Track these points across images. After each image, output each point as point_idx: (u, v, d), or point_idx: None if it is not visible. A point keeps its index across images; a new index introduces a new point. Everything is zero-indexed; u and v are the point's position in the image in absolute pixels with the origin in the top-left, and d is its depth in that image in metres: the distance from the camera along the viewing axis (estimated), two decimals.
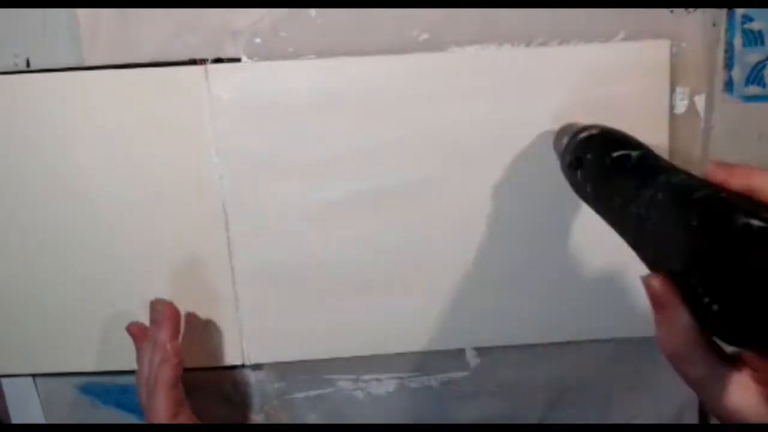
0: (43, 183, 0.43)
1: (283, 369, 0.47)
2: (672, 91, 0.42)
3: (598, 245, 0.44)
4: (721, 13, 0.42)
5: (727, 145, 0.44)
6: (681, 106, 0.43)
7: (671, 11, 0.42)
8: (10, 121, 0.42)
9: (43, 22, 0.41)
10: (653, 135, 0.42)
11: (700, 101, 0.43)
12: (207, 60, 0.41)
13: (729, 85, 0.43)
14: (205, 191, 0.43)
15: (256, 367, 0.47)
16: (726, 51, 0.42)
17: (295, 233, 0.43)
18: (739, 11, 0.42)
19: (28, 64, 0.42)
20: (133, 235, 0.43)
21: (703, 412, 0.48)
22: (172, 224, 0.43)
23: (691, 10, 0.42)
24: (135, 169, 0.42)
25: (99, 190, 0.43)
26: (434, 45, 0.42)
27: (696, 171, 0.43)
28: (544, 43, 0.42)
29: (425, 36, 0.42)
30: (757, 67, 0.42)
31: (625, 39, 0.42)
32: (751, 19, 0.42)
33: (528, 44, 0.42)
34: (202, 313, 0.45)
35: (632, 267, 0.43)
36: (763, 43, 0.42)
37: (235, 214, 0.43)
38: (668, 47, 0.41)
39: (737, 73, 0.43)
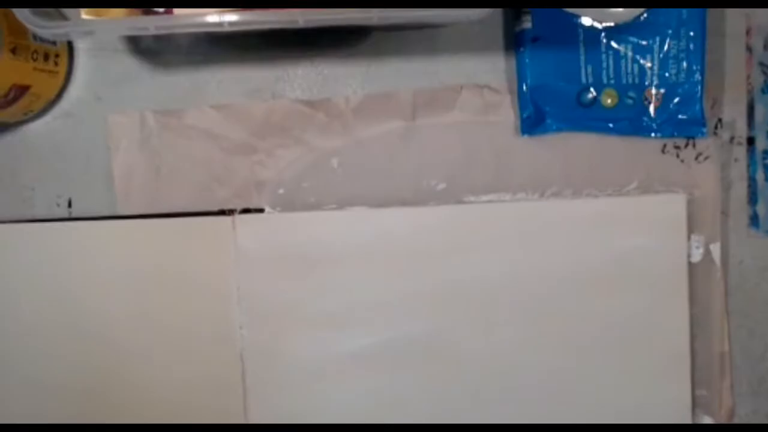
0: (66, 329, 0.44)
1: None
2: (687, 239, 0.42)
3: (612, 406, 0.43)
4: (741, 150, 0.43)
5: (757, 280, 0.44)
6: (696, 255, 0.43)
7: (682, 161, 0.43)
8: (37, 267, 0.44)
9: (86, 166, 0.44)
10: (671, 285, 0.42)
11: (715, 249, 0.43)
12: (235, 210, 0.43)
13: (754, 220, 0.43)
14: (224, 340, 0.43)
15: None
16: (749, 186, 0.43)
17: (313, 385, 0.43)
18: (760, 146, 0.42)
19: (69, 204, 0.45)
20: (149, 380, 0.44)
21: None
22: (188, 372, 0.43)
23: (702, 159, 0.43)
24: (157, 315, 0.43)
25: (120, 336, 0.44)
26: (451, 194, 0.43)
27: (715, 321, 0.43)
28: (557, 193, 0.43)
29: (442, 185, 0.43)
30: None
31: (638, 188, 0.43)
32: None
33: (542, 194, 0.43)
34: None
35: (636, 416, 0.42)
36: None
37: (253, 364, 0.43)
38: (684, 201, 0.42)
39: (762, 208, 0.43)
